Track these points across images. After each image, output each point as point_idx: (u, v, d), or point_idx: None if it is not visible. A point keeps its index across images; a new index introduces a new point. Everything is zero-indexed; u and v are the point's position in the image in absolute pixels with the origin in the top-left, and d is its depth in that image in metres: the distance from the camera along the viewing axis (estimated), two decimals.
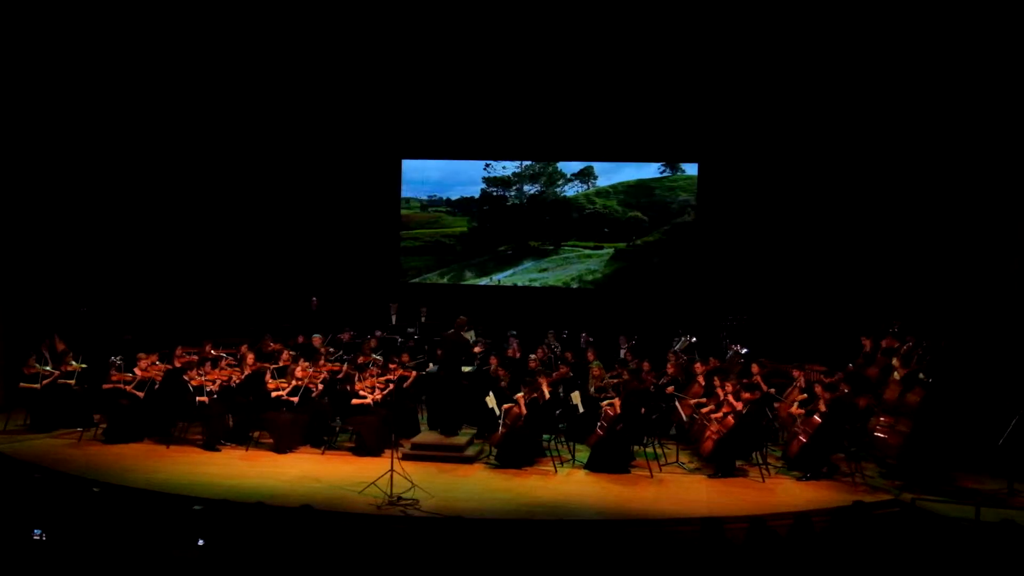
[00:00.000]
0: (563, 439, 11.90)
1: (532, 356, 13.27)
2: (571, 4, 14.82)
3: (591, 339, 14.89)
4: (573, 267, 17.52)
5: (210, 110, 16.43)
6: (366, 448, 11.46)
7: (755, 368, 12.40)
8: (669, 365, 12.99)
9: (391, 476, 9.64)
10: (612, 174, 17.57)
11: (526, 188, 17.75)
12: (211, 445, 11.58)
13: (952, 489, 10.19)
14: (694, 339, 14.56)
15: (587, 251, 17.55)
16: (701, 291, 16.79)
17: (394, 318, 16.10)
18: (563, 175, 17.67)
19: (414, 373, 12.81)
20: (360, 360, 12.87)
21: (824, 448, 10.75)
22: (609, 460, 10.98)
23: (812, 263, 15.84)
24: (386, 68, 16.39)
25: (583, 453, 11.45)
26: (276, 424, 11.63)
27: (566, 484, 10.50)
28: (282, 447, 11.53)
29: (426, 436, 11.86)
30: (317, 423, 11.95)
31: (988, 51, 12.99)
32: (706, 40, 15.17)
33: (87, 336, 13.84)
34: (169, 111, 16.04)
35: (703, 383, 12.25)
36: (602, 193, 17.53)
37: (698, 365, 12.62)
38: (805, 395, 11.59)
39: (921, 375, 10.92)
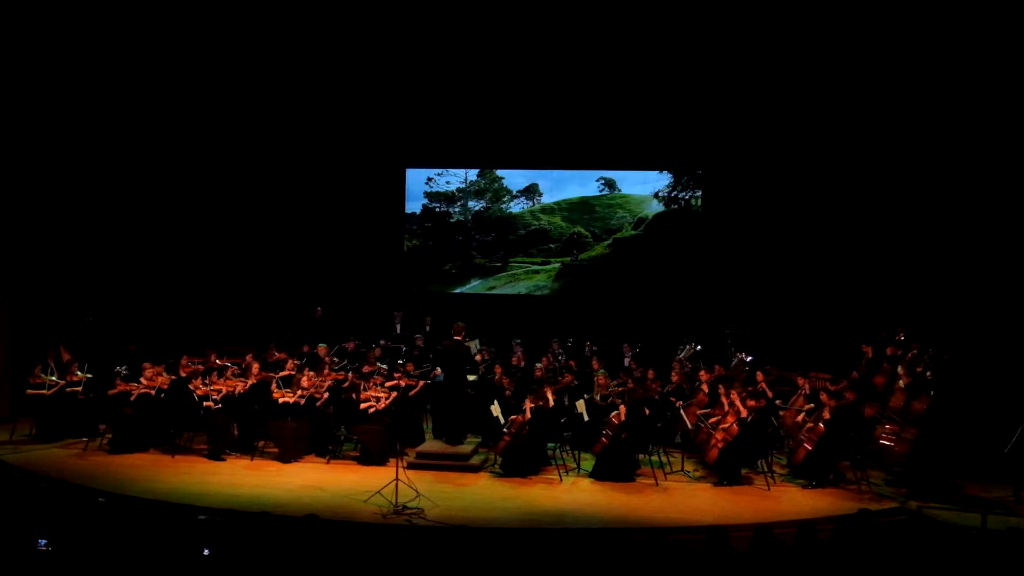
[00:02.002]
0: (568, 448, 11.87)
1: (537, 365, 13.26)
2: (575, 14, 14.87)
3: (595, 348, 14.88)
4: (521, 284, 17.69)
5: (214, 121, 16.52)
6: (371, 457, 11.44)
7: (760, 376, 12.34)
8: (674, 373, 12.95)
9: (396, 485, 9.63)
10: (556, 191, 17.84)
11: (471, 204, 17.83)
12: (216, 455, 11.59)
13: (958, 497, 10.14)
14: (699, 347, 14.58)
15: (535, 267, 17.63)
16: (706, 299, 16.82)
17: (398, 327, 16.17)
18: (509, 191, 17.86)
19: (419, 382, 12.80)
20: (365, 369, 12.85)
21: (829, 456, 10.72)
22: (614, 468, 10.96)
23: (817, 270, 15.87)
24: (390, 78, 16.47)
25: (588, 462, 11.44)
26: (281, 433, 11.63)
27: (571, 493, 10.50)
28: (287, 456, 11.53)
29: (431, 445, 11.84)
30: (322, 432, 11.94)
31: (991, 55, 13.00)
32: (711, 49, 15.24)
33: (92, 346, 13.86)
34: (175, 120, 16.12)
35: (708, 391, 12.20)
36: (547, 209, 17.72)
37: (703, 373, 12.57)
38: (810, 403, 11.55)
39: (928, 374, 10.84)
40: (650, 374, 12.76)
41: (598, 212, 17.69)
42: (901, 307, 13.98)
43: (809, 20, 14.29)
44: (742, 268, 16.58)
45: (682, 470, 11.34)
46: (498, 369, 12.95)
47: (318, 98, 16.81)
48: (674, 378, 12.85)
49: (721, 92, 15.90)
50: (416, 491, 9.77)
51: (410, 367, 13.20)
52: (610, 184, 17.61)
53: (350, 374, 12.74)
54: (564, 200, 17.81)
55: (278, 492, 10.13)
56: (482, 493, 10.37)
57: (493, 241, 17.86)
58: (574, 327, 16.25)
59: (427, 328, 15.88)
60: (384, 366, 13.27)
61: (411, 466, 11.04)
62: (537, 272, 17.58)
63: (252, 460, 11.62)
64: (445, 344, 12.10)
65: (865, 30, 14.08)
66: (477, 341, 14.64)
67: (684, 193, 17.36)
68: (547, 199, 17.82)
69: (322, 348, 13.88)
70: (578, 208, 17.73)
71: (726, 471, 10.86)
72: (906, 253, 14.77)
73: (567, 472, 11.21)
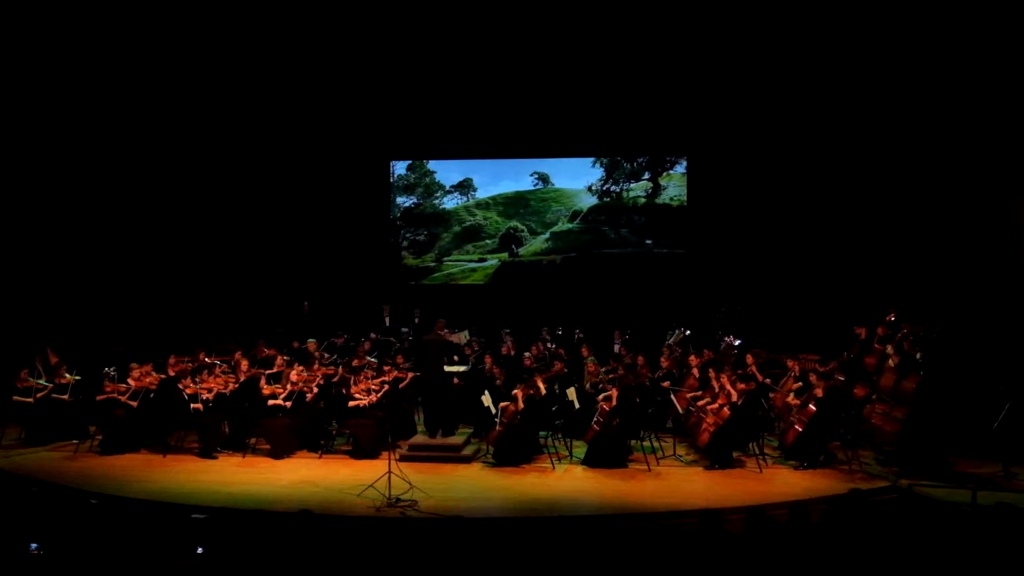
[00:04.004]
0: (560, 436, 11.92)
1: (527, 354, 13.31)
2: (560, 1, 14.85)
3: (583, 335, 14.91)
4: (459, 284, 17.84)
5: (198, 116, 16.39)
6: (363, 451, 11.44)
7: (750, 359, 12.41)
8: (664, 358, 13.00)
9: (389, 478, 9.64)
10: (491, 186, 18.00)
11: (400, 200, 17.82)
12: (208, 453, 11.56)
13: (949, 474, 10.18)
14: (688, 332, 14.59)
15: (471, 264, 17.67)
16: (693, 283, 16.88)
17: (387, 320, 16.13)
18: (442, 186, 17.86)
19: (409, 375, 12.79)
20: (355, 363, 12.83)
21: (820, 437, 10.77)
22: (606, 455, 10.99)
23: (805, 252, 15.91)
24: (374, 69, 16.38)
25: (580, 449, 11.46)
26: (272, 430, 11.61)
27: (564, 480, 10.53)
28: (279, 452, 11.51)
29: (422, 437, 11.87)
30: (313, 427, 11.93)
31: (970, 37, 13.05)
32: (694, 34, 15.21)
33: (80, 348, 13.80)
34: (157, 116, 15.97)
35: (698, 375, 12.24)
36: (482, 204, 17.79)
37: (693, 358, 12.62)
38: (800, 384, 11.59)
39: (917, 353, 10.90)
40: (640, 360, 12.77)
41: (533, 206, 17.82)
42: (890, 288, 14.01)
43: (795, 4, 14.30)
44: (729, 252, 16.63)
45: (674, 455, 11.38)
46: (488, 359, 12.99)
47: (302, 92, 16.70)
48: (664, 363, 12.90)
49: (705, 77, 15.91)
50: (409, 483, 9.76)
51: (400, 360, 13.21)
52: (544, 178, 17.77)
53: (340, 368, 12.72)
54: (500, 195, 17.92)
55: (271, 488, 10.09)
56: (475, 483, 10.38)
57: (426, 239, 17.86)
58: (563, 315, 16.29)
59: (416, 321, 15.87)
60: (374, 360, 13.27)
61: (403, 459, 11.02)
62: (474, 270, 17.60)
63: (244, 457, 11.60)
64: (424, 339, 12.11)
65: (849, 13, 14.08)
66: (467, 332, 14.65)
67: (616, 186, 17.57)
68: (482, 194, 17.91)
69: (311, 343, 13.88)
70: (513, 203, 17.85)
71: (718, 455, 10.90)
72: (895, 233, 14.81)
73: (560, 460, 11.24)
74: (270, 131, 17.04)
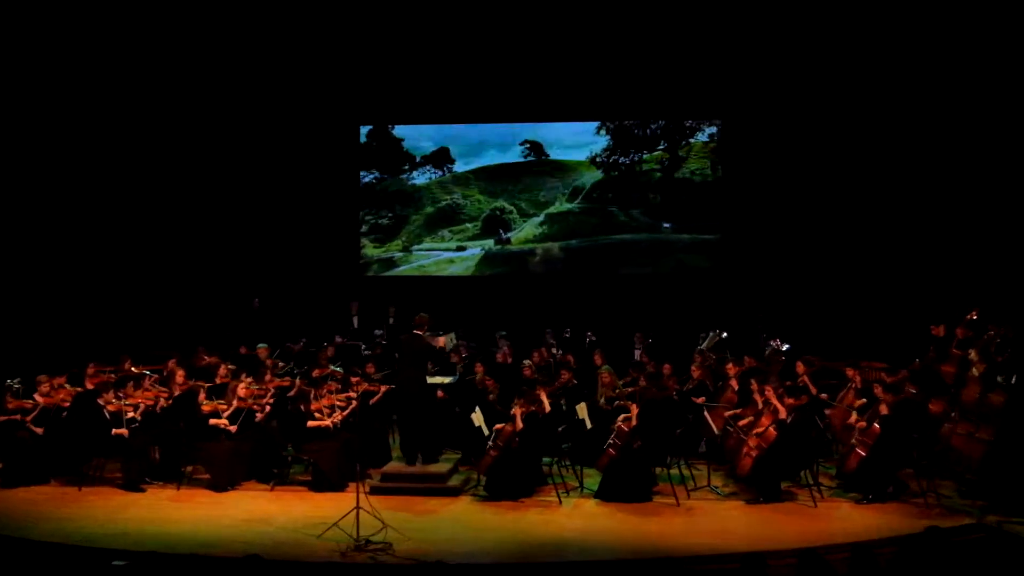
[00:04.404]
0: (568, 462, 11.92)
1: (527, 361, 13.27)
2: None
3: (595, 339, 14.98)
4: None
5: (122, 70, 16.28)
6: (325, 481, 11.41)
7: (800, 367, 12.40)
8: (695, 367, 13.01)
9: (357, 515, 9.57)
10: (472, 157, 18.03)
11: (360, 174, 17.86)
12: (133, 484, 11.50)
13: None
14: (724, 334, 14.65)
15: (447, 254, 17.65)
16: (729, 276, 16.92)
17: (356, 320, 16.20)
18: (410, 157, 17.82)
19: (382, 387, 12.78)
20: (315, 374, 12.87)
21: (888, 463, 10.73)
22: (625, 486, 10.96)
23: (867, 236, 15.93)
24: (329, 7, 16.24)
25: (593, 479, 11.45)
26: (214, 456, 11.56)
27: (573, 517, 10.53)
28: (222, 483, 11.47)
29: (398, 464, 11.85)
30: (264, 453, 11.91)
31: None
32: None
33: None
34: (73, 74, 15.86)
35: (737, 388, 12.24)
36: (460, 180, 17.74)
37: (730, 366, 12.62)
38: (863, 399, 11.57)
39: (999, 378, 10.86)
40: (666, 369, 12.76)
41: (524, 182, 17.80)
42: (973, 280, 14.00)
43: None
44: (770, 236, 16.67)
45: (709, 486, 11.35)
46: (479, 368, 13.00)
47: (241, 39, 16.63)
48: (696, 373, 12.90)
49: (740, 29, 15.90)
50: (382, 521, 9.69)
51: (371, 369, 13.20)
52: (536, 148, 17.79)
53: (297, 380, 12.73)
54: (482, 168, 17.92)
55: (212, 528, 10.05)
56: (464, 521, 10.38)
57: (390, 223, 17.83)
58: (570, 314, 16.35)
59: (391, 321, 15.92)
60: (339, 369, 13.26)
61: (375, 491, 11.03)
62: (451, 262, 17.58)
63: (178, 489, 11.54)
64: (402, 339, 12.09)
65: None
66: (453, 335, 14.67)
67: (624, 158, 17.60)
68: (461, 167, 17.93)
69: (262, 349, 13.87)
70: (500, 178, 17.85)
71: (762, 485, 10.87)
72: (978, 213, 14.79)
73: (567, 492, 11.23)
74: (207, 91, 16.99)
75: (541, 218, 17.83)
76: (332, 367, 13.32)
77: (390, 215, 18.02)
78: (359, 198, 18.01)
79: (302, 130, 17.57)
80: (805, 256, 16.36)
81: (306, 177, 17.62)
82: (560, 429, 11.95)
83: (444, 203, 17.92)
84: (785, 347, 14.10)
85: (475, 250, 17.90)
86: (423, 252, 17.89)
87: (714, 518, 10.37)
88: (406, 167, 17.99)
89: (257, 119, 17.40)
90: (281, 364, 13.90)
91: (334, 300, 16.91)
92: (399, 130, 18.09)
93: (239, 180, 17.44)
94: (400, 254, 17.93)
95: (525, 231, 17.84)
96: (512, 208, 17.83)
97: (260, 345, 13.98)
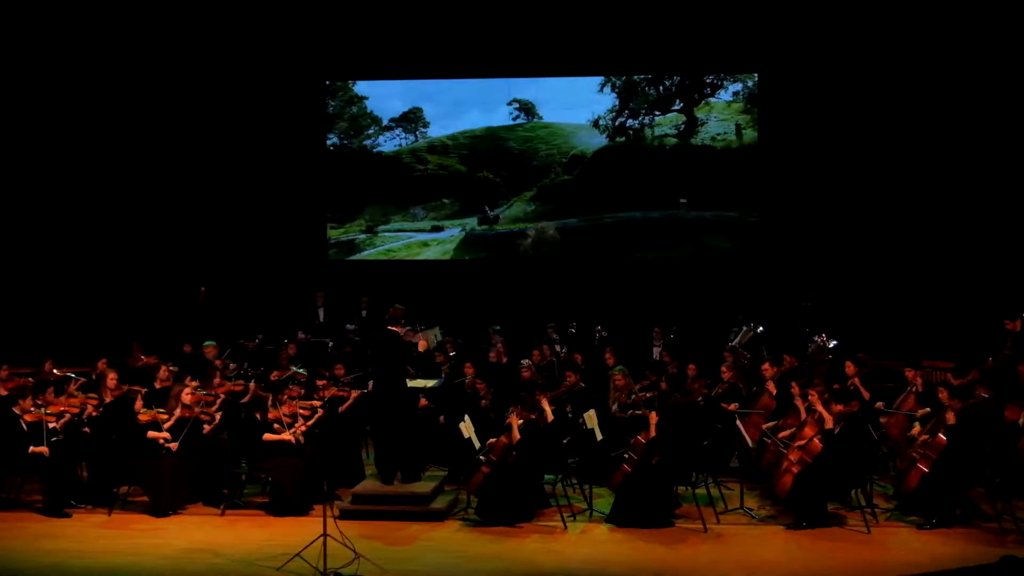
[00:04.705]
0: (574, 480, 11.96)
1: (525, 361, 13.29)
2: None
3: (606, 334, 15.03)
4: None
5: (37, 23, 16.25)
6: (286, 504, 11.38)
7: (850, 368, 12.34)
8: (726, 368, 12.97)
9: (324, 543, 9.52)
10: (450, 120, 17.94)
11: (327, 138, 17.82)
12: (56, 509, 11.43)
13: None
14: (760, 329, 14.67)
15: (421, 235, 17.55)
16: (765, 261, 16.91)
17: (322, 313, 16.23)
18: (376, 119, 17.61)
19: (354, 393, 12.72)
20: (274, 376, 12.87)
21: (955, 480, 10.67)
22: (642, 509, 10.90)
23: (928, 213, 15.93)
24: None
25: (605, 500, 11.47)
26: (153, 474, 11.50)
27: (581, 546, 10.52)
28: (163, 507, 11.42)
29: (373, 483, 11.79)
30: (213, 470, 11.89)
31: None
32: None
33: None
34: None
35: (776, 392, 12.20)
36: (437, 147, 17.58)
37: (767, 366, 12.56)
38: (925, 406, 11.54)
39: None
40: (691, 370, 12.80)
41: (513, 149, 17.71)
42: None
43: None
44: (817, 215, 16.66)
45: (742, 507, 11.35)
46: (469, 369, 12.97)
47: None
48: (726, 375, 12.86)
49: None
50: (354, 551, 9.67)
51: (340, 371, 13.13)
52: (528, 108, 17.73)
53: (252, 384, 12.81)
54: (463, 132, 17.82)
55: (151, 560, 10.02)
56: (451, 550, 10.36)
57: (352, 199, 17.78)
58: (577, 306, 16.35)
59: (364, 313, 15.92)
60: (302, 371, 13.25)
61: (345, 515, 11.00)
62: (425, 245, 17.45)
63: (110, 515, 11.47)
64: (376, 335, 12.06)
65: None
66: (438, 330, 14.70)
67: (632, 121, 17.51)
68: (437, 131, 17.76)
69: (210, 348, 13.87)
70: (484, 144, 17.76)
71: (806, 507, 10.80)
72: None
73: (574, 516, 11.23)
74: (142, 45, 16.94)
75: (533, 192, 17.67)
76: (294, 368, 13.31)
77: (351, 190, 17.77)
78: (326, 166, 17.84)
79: (251, 85, 17.51)
80: (856, 236, 16.39)
81: (262, 142, 17.57)
82: (565, 441, 11.94)
83: (417, 174, 17.73)
84: (832, 344, 14.11)
85: (454, 231, 17.82)
86: (391, 234, 17.78)
87: (748, 547, 10.34)
88: (370, 131, 17.78)
89: (195, 71, 17.30)
90: (233, 365, 13.89)
91: (296, 289, 16.92)
92: (362, 87, 17.95)
93: (179, 145, 17.40)
94: (363, 236, 17.83)
95: (514, 208, 17.75)
96: (499, 180, 17.69)
97: (207, 343, 13.94)
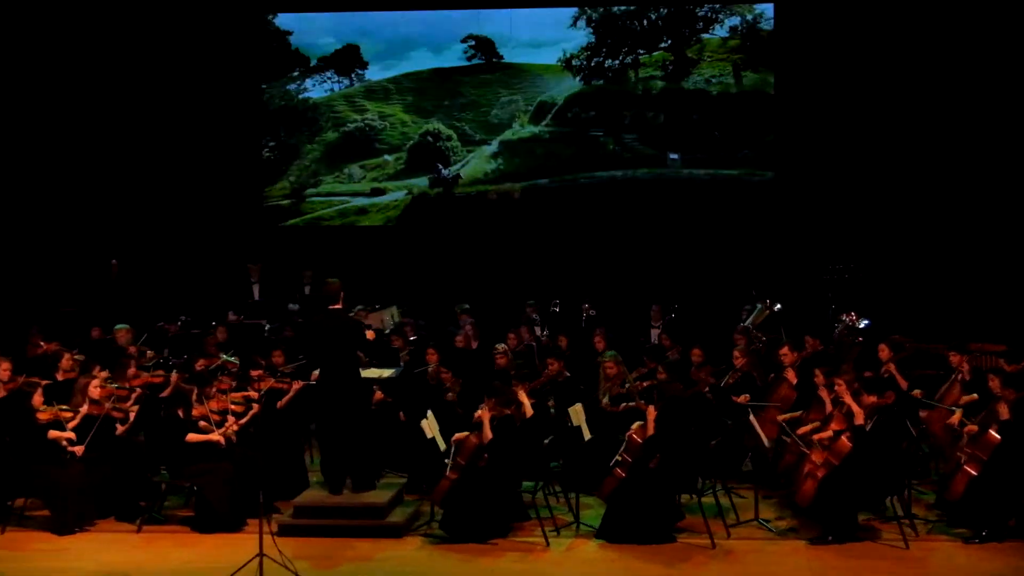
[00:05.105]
0: (558, 488, 12.00)
1: (500, 346, 13.32)
2: None
3: (595, 313, 15.14)
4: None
5: None
6: (215, 518, 11.37)
7: (885, 352, 12.44)
8: (738, 352, 12.99)
9: (260, 564, 9.55)
10: (392, 60, 17.96)
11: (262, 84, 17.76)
12: None
13: None
14: (777, 307, 14.72)
15: (359, 201, 17.61)
16: (781, 226, 17.03)
17: (257, 290, 16.27)
18: (303, 59, 17.52)
19: (295, 384, 12.73)
20: (200, 366, 12.94)
21: (1009, 486, 10.71)
22: (639, 521, 10.90)
23: (975, 171, 16.01)
24: None
25: (594, 511, 11.48)
26: (55, 484, 11.47)
27: (566, 565, 10.54)
28: (67, 522, 11.39)
29: (319, 493, 11.80)
30: (127, 479, 11.85)
31: None
32: None
33: None
34: None
35: (796, 382, 12.27)
36: (376, 93, 17.48)
37: (786, 351, 12.61)
38: (973, 395, 11.58)
39: None
40: (696, 355, 12.84)
41: (468, 96, 17.73)
42: None
43: None
44: (843, 175, 16.72)
45: (756, 519, 11.37)
46: (433, 356, 12.98)
47: None
48: (739, 361, 12.89)
49: None
50: (295, 573, 9.68)
51: (279, 359, 13.15)
52: (485, 46, 17.65)
53: (174, 375, 12.79)
54: (407, 74, 17.78)
55: None
56: (412, 571, 10.36)
57: (274, 157, 17.75)
58: (561, 278, 16.45)
59: (307, 290, 15.99)
60: (233, 359, 13.28)
61: (285, 530, 11.05)
62: (363, 212, 17.46)
63: (3, 533, 11.48)
64: (316, 319, 12.05)
65: None
66: (395, 309, 14.80)
67: (611, 61, 17.55)
68: (376, 74, 17.75)
69: (123, 332, 13.88)
70: (433, 90, 17.72)
71: (832, 518, 10.83)
72: None
73: (558, 530, 11.26)
74: None
75: (494, 147, 17.79)
76: (224, 356, 13.38)
77: (271, 144, 17.75)
78: (261, 115, 17.79)
79: (172, 16, 17.35)
80: (890, 195, 16.47)
81: (181, 87, 17.56)
82: (547, 441, 11.91)
83: (352, 126, 17.70)
84: (863, 323, 14.20)
85: (398, 194, 17.84)
86: (321, 199, 17.72)
87: (764, 565, 10.37)
88: (295, 74, 17.70)
89: (137, 29, 17.41)
90: (150, 353, 13.89)
91: (226, 261, 16.98)
92: (284, 20, 17.85)
93: (80, 91, 17.36)
94: (286, 201, 17.72)
95: (472, 166, 17.72)
96: (451, 133, 17.71)
97: (120, 326, 13.95)
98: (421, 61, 17.79)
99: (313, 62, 17.82)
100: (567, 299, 15.74)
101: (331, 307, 11.79)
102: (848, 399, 11.08)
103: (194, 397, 11.91)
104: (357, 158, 17.78)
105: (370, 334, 12.16)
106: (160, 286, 16.11)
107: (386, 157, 17.65)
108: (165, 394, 12.37)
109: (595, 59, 17.57)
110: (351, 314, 12.52)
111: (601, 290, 15.99)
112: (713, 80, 17.38)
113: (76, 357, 12.97)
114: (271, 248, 17.14)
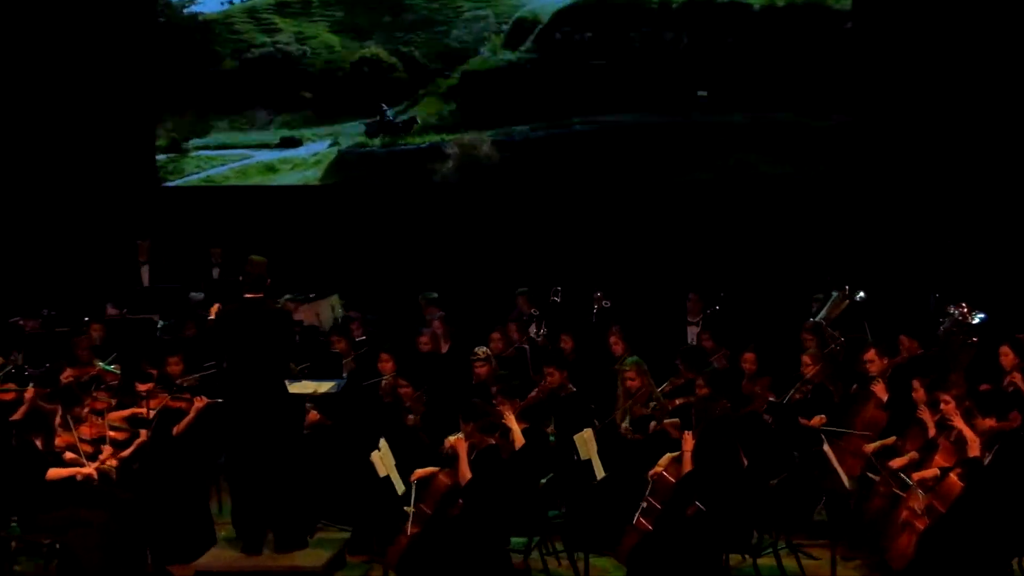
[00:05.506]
0: (559, 546, 11.94)
1: (480, 350, 13.37)
2: None
3: (608, 304, 15.13)
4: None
5: None
6: None
7: (1009, 357, 12.23)
8: (807, 359, 12.87)
9: None
10: None
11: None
12: None
13: None
14: (860, 295, 14.70)
15: (265, 157, 17.70)
16: (860, 179, 16.90)
17: (146, 273, 16.36)
18: None
19: (197, 403, 12.53)
20: (67, 377, 12.79)
21: None
22: None
23: None
24: None
25: None
26: None
27: None
28: None
29: (229, 552, 11.73)
30: None
31: None
32: None
33: None
34: None
35: (887, 397, 12.08)
36: (291, 5, 17.61)
37: (873, 355, 12.41)
38: None
39: None
40: (748, 361, 12.86)
41: (417, 11, 17.71)
42: None
43: None
44: (950, 120, 16.67)
45: None
46: (388, 364, 13.05)
47: None
48: (808, 370, 12.86)
49: None
50: None
51: (175, 368, 13.05)
52: None
53: (30, 389, 12.67)
54: None
55: None
56: None
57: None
58: (561, 256, 16.63)
59: (215, 273, 16.03)
60: (112, 368, 13.26)
61: None
62: (273, 171, 17.40)
63: None
64: (229, 309, 11.85)
65: None
66: (337, 298, 14.93)
67: None
68: None
69: None
70: (368, 2, 17.70)
71: None
72: None
73: None
74: None
75: (454, 82, 17.64)
76: (100, 364, 13.33)
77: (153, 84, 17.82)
78: (150, 46, 17.78)
79: None
80: (1011, 150, 16.19)
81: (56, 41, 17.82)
82: (544, 481, 11.73)
83: (258, 52, 17.56)
84: (977, 319, 14.09)
85: (319, 145, 17.67)
86: (212, 153, 17.60)
87: None
88: None
89: None
90: (0, 359, 13.71)
91: (103, 237, 17.12)
92: None
93: None
94: (164, 157, 17.53)
95: (424, 107, 17.29)
96: (395, 61, 17.50)
97: None
98: None
99: None
100: (572, 286, 15.66)
101: (249, 295, 11.60)
102: (959, 422, 10.90)
103: (58, 420, 11.65)
104: (261, 100, 17.55)
105: (311, 312, 12.01)
106: (14, 270, 15.79)
107: (304, 94, 17.26)
108: (17, 416, 12.15)
109: None
110: (277, 305, 12.16)
111: (618, 274, 15.83)
112: None
113: None
114: (164, 219, 16.88)
